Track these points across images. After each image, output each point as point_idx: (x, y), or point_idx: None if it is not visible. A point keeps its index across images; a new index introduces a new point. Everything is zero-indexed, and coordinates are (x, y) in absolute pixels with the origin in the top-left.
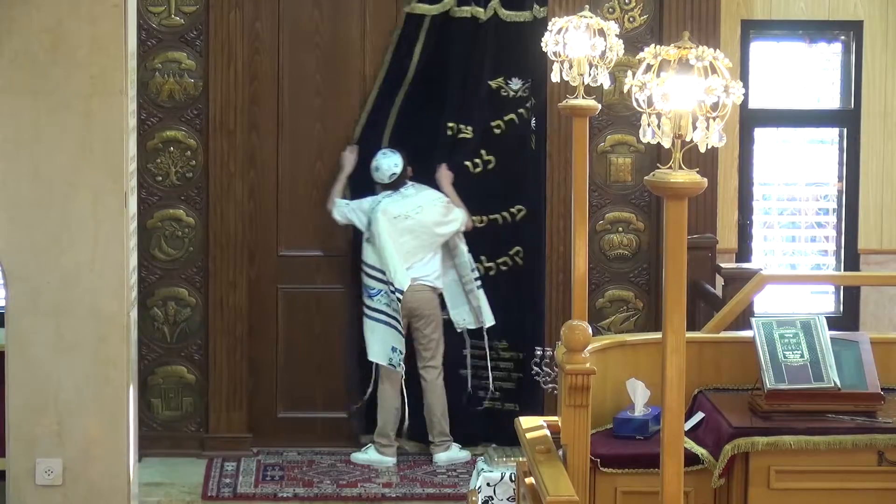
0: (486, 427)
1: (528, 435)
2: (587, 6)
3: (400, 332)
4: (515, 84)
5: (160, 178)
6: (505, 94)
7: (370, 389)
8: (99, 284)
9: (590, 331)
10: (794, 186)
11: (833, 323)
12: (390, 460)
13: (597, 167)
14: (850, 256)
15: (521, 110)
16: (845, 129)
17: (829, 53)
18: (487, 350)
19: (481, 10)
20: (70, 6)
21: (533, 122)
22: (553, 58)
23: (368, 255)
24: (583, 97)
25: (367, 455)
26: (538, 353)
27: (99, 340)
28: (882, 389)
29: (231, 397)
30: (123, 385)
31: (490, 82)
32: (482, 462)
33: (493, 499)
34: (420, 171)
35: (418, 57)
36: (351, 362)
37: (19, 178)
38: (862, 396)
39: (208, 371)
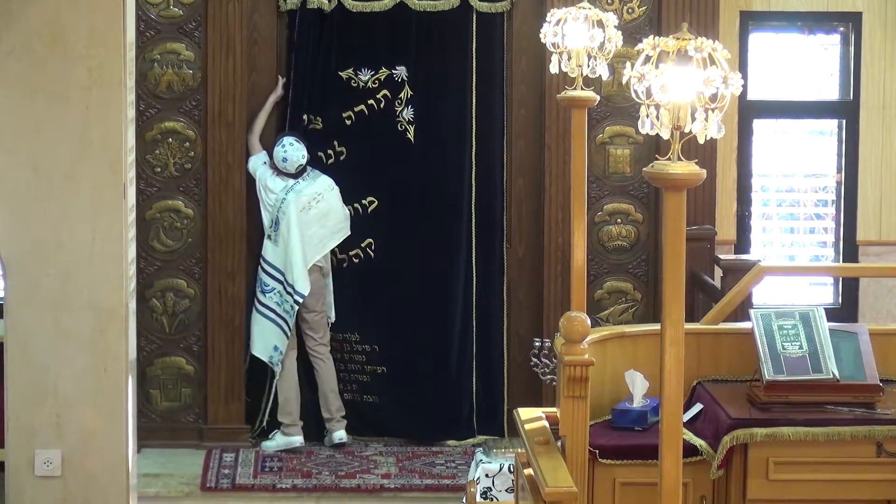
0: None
1: (527, 426)
2: None
3: (287, 333)
4: (365, 75)
5: (159, 170)
6: (355, 84)
7: (276, 380)
8: (97, 276)
9: (588, 322)
10: (792, 178)
11: (832, 314)
12: (298, 439)
13: (595, 158)
14: (849, 248)
15: (371, 101)
16: (844, 121)
17: (828, 45)
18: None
19: (326, 1)
20: None
21: (408, 111)
22: (552, 49)
23: (268, 252)
24: (581, 88)
25: (276, 441)
26: (537, 344)
27: (98, 332)
28: (881, 381)
29: (229, 388)
30: (122, 376)
31: (340, 73)
32: (481, 453)
33: (491, 490)
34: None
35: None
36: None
37: (18, 170)
38: (860, 388)
39: (207, 362)
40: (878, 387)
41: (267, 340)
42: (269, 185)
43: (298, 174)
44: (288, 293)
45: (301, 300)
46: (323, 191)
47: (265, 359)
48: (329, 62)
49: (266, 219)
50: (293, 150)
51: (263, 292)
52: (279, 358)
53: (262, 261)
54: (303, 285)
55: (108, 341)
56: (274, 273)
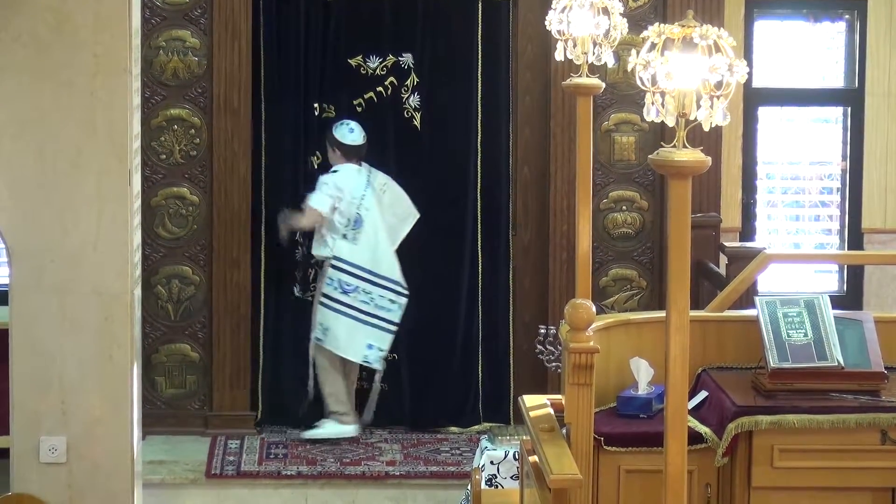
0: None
1: (532, 413)
2: None
3: (389, 331)
4: (373, 62)
5: (164, 157)
6: (364, 72)
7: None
8: (103, 262)
9: (594, 309)
10: (797, 165)
11: (836, 302)
12: (351, 428)
13: (601, 146)
14: (854, 235)
15: (379, 88)
16: (849, 109)
17: (834, 32)
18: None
19: None
20: None
21: (414, 98)
22: (557, 36)
23: (345, 251)
24: (587, 76)
25: (325, 429)
26: (542, 331)
27: (103, 318)
28: (885, 368)
29: (235, 375)
30: (127, 363)
31: (350, 60)
32: (486, 440)
33: (496, 477)
34: (295, 154)
35: (264, 39)
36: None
37: (24, 157)
38: (865, 375)
39: (212, 349)
40: (882, 374)
41: (356, 341)
42: (340, 184)
43: (360, 156)
44: (389, 289)
45: (407, 292)
46: (387, 180)
47: (359, 360)
48: (338, 49)
49: (341, 218)
50: (356, 126)
51: (346, 292)
52: (378, 355)
53: (336, 260)
54: (401, 279)
55: (114, 328)
56: (356, 272)
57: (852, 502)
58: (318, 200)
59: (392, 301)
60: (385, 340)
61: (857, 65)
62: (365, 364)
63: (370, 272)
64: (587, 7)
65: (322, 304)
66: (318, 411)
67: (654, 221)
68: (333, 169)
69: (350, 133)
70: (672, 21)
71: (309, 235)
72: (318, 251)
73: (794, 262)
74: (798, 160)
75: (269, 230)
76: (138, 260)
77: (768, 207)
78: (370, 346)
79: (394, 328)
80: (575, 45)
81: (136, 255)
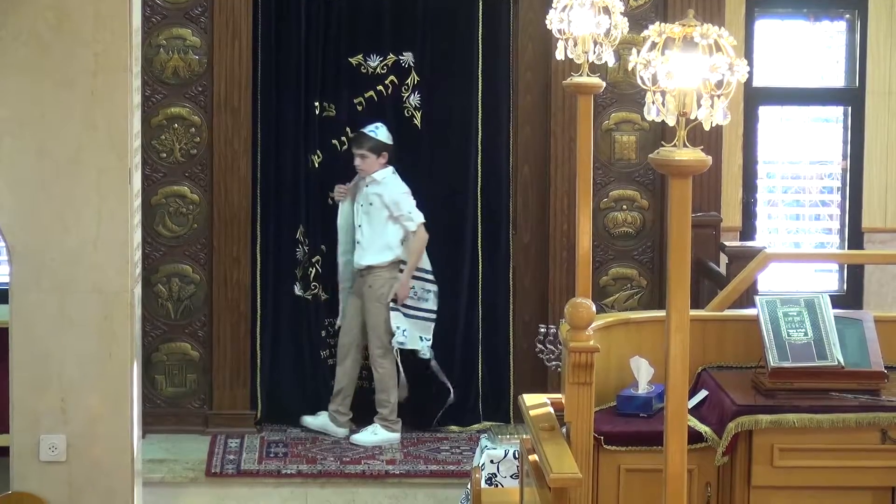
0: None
1: (532, 412)
2: None
3: (431, 320)
4: (374, 61)
5: (164, 155)
6: (364, 70)
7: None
8: (103, 261)
9: (594, 308)
10: (798, 165)
11: (837, 301)
12: (397, 436)
13: (601, 145)
14: (854, 235)
15: (379, 87)
16: (850, 108)
17: (834, 31)
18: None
19: None
20: None
21: (415, 97)
22: (558, 35)
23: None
24: (587, 75)
25: (378, 436)
26: (542, 330)
27: (103, 317)
28: (885, 368)
29: (235, 374)
30: (127, 362)
31: (350, 59)
32: (486, 439)
33: (496, 476)
34: (296, 153)
35: (262, 37)
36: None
37: (24, 155)
38: (865, 375)
39: (212, 348)
40: (882, 374)
41: (414, 335)
42: (405, 188)
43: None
44: (424, 280)
45: (434, 278)
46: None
47: (424, 352)
48: (339, 48)
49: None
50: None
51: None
52: (427, 345)
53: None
54: (429, 265)
55: (114, 326)
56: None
57: (852, 501)
58: (418, 213)
59: (427, 290)
60: (429, 330)
61: (857, 64)
62: (421, 357)
63: (422, 271)
64: (588, 6)
65: (393, 308)
66: (317, 405)
67: (655, 220)
68: (379, 179)
69: (389, 133)
70: (673, 20)
71: (315, 235)
72: (374, 259)
73: (794, 261)
74: (798, 159)
75: (267, 228)
76: (138, 258)
77: (768, 207)
78: (422, 339)
79: (434, 317)
80: (575, 44)
81: (136, 253)
